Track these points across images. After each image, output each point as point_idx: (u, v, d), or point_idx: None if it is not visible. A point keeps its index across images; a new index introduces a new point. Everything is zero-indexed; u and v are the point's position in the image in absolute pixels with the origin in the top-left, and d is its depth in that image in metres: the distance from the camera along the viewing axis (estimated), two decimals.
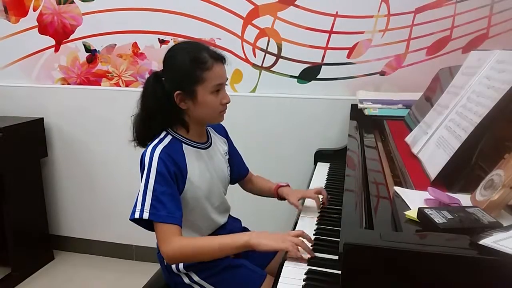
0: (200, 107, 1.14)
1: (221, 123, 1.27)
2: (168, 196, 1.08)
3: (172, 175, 1.10)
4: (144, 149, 1.16)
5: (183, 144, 1.18)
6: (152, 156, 1.10)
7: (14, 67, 2.37)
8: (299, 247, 1.02)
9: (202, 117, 1.18)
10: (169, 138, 1.17)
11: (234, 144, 1.42)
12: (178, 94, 1.13)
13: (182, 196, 1.15)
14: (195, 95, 1.12)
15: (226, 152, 1.35)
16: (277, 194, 1.40)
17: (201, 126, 1.23)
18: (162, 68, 1.18)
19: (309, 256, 1.02)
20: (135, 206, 1.08)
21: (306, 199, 1.39)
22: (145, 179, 1.09)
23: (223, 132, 1.38)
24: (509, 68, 0.97)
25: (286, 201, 1.37)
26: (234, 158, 1.40)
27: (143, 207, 1.06)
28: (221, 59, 1.15)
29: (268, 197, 1.46)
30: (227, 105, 1.18)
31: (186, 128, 1.19)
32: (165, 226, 1.06)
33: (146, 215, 1.06)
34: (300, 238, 1.06)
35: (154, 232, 1.09)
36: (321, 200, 1.34)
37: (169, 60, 1.16)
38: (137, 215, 1.07)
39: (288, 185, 1.42)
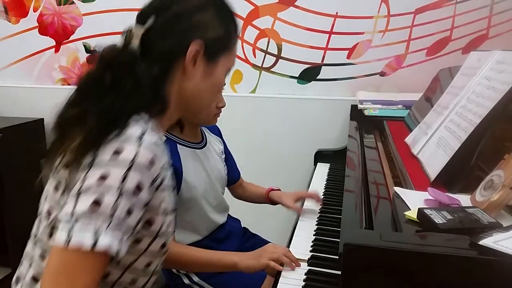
0: None
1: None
2: None
3: None
4: None
5: (178, 145, 1.18)
6: None
7: (14, 68, 2.37)
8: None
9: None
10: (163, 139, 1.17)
11: (233, 146, 1.42)
12: None
13: (179, 197, 1.15)
14: None
15: (222, 152, 1.35)
16: (268, 198, 1.40)
17: (196, 126, 1.23)
18: None
19: (295, 265, 1.00)
20: None
21: (305, 202, 1.38)
22: None
23: (217, 132, 1.38)
24: (509, 68, 0.97)
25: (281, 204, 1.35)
26: (228, 161, 1.39)
27: None
28: None
29: (259, 203, 1.45)
30: (224, 108, 1.18)
31: (180, 127, 1.19)
32: None
33: None
34: (279, 253, 1.01)
35: None
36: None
37: None
38: None
39: (279, 189, 1.41)
